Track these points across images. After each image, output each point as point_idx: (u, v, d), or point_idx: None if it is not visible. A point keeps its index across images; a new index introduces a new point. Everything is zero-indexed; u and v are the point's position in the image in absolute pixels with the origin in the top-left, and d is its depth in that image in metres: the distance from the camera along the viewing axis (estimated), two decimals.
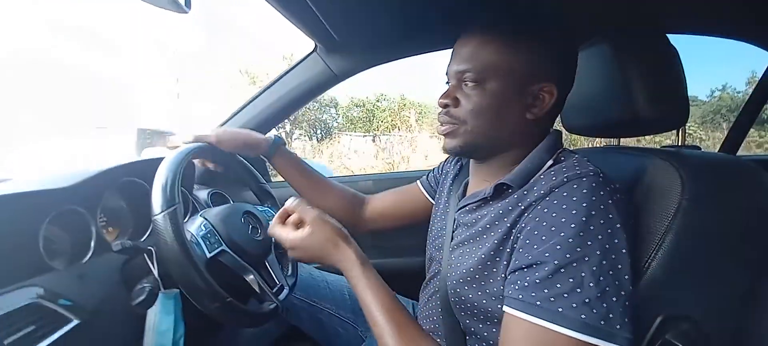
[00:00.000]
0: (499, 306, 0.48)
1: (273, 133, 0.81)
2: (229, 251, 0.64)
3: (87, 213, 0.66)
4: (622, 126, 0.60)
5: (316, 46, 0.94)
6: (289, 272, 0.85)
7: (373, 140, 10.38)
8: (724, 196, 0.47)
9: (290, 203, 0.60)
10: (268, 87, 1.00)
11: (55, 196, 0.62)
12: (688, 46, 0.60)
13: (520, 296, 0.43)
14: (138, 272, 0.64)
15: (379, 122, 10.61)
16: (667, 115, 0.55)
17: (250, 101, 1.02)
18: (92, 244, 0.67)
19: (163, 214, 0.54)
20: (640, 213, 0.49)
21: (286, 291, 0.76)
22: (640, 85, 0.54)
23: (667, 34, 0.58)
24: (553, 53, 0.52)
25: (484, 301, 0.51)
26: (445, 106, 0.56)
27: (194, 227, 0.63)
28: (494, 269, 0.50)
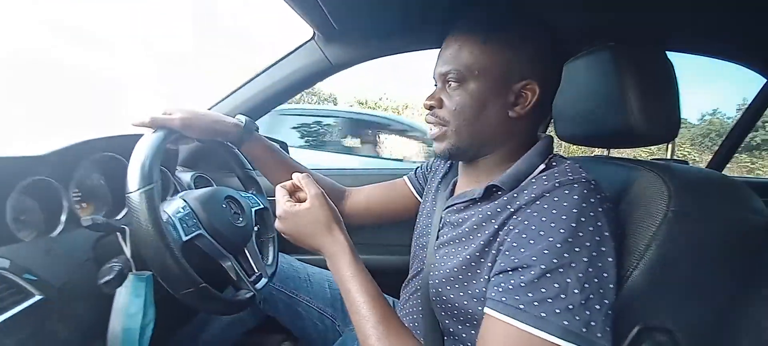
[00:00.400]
0: (480, 308, 0.47)
1: (243, 117, 0.76)
2: (207, 235, 0.62)
3: (59, 185, 0.64)
4: (614, 137, 0.60)
5: (314, 33, 0.92)
6: (269, 261, 0.83)
7: None
8: (710, 210, 0.47)
9: (297, 177, 0.58)
10: (262, 72, 0.98)
11: (26, 164, 0.59)
12: (680, 68, 0.60)
13: (504, 299, 0.42)
14: (110, 251, 0.61)
15: None
16: (660, 128, 0.55)
17: (242, 86, 0.99)
18: (63, 218, 0.65)
19: (138, 192, 0.52)
20: (626, 223, 0.48)
21: (264, 280, 0.74)
22: (636, 97, 0.53)
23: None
24: (534, 52, 0.52)
25: (466, 302, 0.50)
26: (430, 107, 0.56)
27: (172, 208, 0.61)
28: (478, 271, 0.49)
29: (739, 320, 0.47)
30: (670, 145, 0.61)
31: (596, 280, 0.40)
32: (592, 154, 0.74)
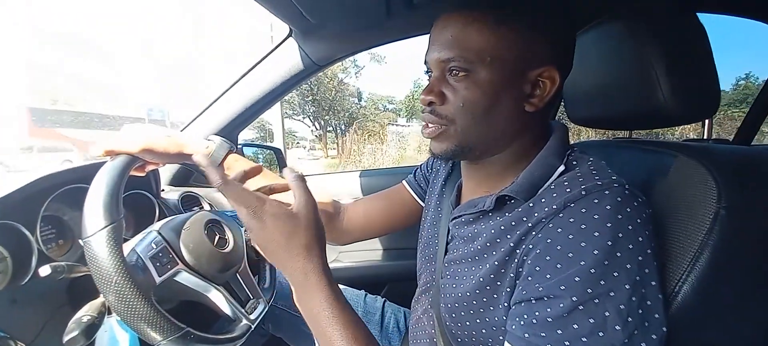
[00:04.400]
0: (501, 338, 0.41)
1: (218, 138, 0.67)
2: (186, 270, 0.56)
3: (24, 227, 0.58)
4: (640, 117, 0.52)
5: (290, 30, 0.83)
6: (267, 283, 0.77)
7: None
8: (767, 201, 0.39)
9: (290, 177, 0.46)
10: (239, 80, 0.91)
11: None
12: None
13: (526, 335, 0.35)
14: (88, 293, 0.56)
15: None
16: (696, 104, 0.47)
17: (219, 97, 0.92)
18: (33, 261, 0.59)
19: (95, 235, 0.45)
20: (664, 225, 0.40)
21: (261, 307, 0.68)
22: (664, 69, 0.45)
23: None
24: (552, 32, 0.43)
25: (484, 330, 0.43)
26: (429, 103, 0.46)
27: (143, 245, 0.54)
28: (494, 295, 0.42)
29: None
30: (706, 123, 0.52)
31: (640, 311, 0.33)
32: (613, 138, 0.65)
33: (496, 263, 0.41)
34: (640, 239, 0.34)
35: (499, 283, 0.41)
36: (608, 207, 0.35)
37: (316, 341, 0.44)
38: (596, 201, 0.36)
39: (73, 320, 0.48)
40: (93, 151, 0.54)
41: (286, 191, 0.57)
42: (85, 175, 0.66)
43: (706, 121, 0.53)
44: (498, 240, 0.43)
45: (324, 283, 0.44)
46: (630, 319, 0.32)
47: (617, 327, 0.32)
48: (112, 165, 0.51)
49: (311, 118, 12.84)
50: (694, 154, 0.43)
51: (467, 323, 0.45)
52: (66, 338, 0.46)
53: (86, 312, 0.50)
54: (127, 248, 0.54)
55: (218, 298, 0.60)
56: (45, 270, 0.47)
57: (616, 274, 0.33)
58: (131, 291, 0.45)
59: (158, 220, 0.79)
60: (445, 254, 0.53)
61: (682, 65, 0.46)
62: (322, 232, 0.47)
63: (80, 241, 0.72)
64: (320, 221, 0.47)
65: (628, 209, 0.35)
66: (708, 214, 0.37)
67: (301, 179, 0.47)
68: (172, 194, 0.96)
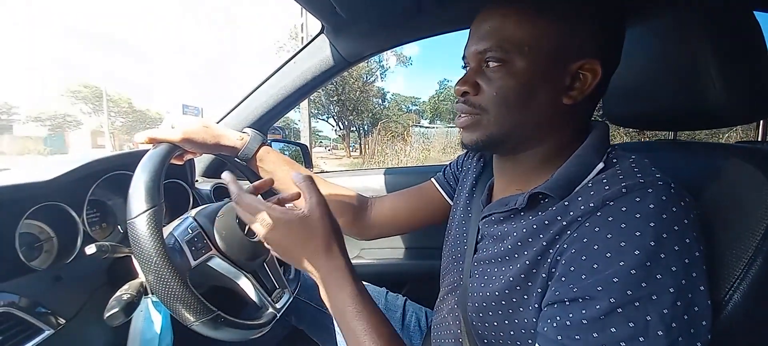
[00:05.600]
0: (530, 341, 0.39)
1: (251, 130, 0.69)
2: (218, 256, 0.57)
3: (71, 209, 0.62)
4: (690, 117, 0.49)
5: (323, 26, 0.85)
6: (291, 274, 0.78)
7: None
8: None
9: (298, 178, 0.49)
10: (272, 75, 0.93)
11: (34, 191, 0.57)
12: None
13: (559, 337, 0.34)
14: (126, 274, 0.59)
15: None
16: (748, 103, 0.44)
17: (253, 91, 0.95)
18: (79, 242, 0.63)
19: (138, 217, 0.47)
20: (715, 231, 0.38)
21: (286, 296, 0.70)
22: (719, 67, 0.42)
23: None
24: (596, 22, 0.41)
25: (512, 332, 0.42)
26: (463, 93, 0.46)
27: (180, 230, 0.56)
28: (525, 296, 0.40)
29: None
30: (761, 125, 0.48)
31: (686, 316, 0.31)
32: (655, 139, 0.62)
33: (527, 262, 0.40)
34: (687, 240, 0.32)
35: (530, 283, 0.40)
36: (651, 206, 0.33)
37: (340, 333, 0.45)
38: (638, 199, 0.34)
39: (114, 298, 0.51)
40: (137, 138, 0.57)
41: (297, 199, 0.58)
42: (128, 162, 0.70)
43: (761, 122, 0.49)
44: (529, 240, 0.41)
45: (348, 279, 0.45)
46: (674, 324, 0.30)
47: (660, 332, 0.30)
48: (154, 152, 0.54)
49: (335, 118, 13.06)
50: (748, 156, 0.41)
51: (495, 324, 0.44)
52: (107, 314, 0.49)
53: (126, 291, 0.53)
54: (165, 232, 0.56)
55: (247, 285, 0.62)
56: (91, 249, 0.50)
57: (659, 276, 0.31)
58: (169, 272, 0.47)
59: (193, 208, 0.83)
60: (474, 253, 0.52)
61: (738, 63, 0.44)
62: (337, 228, 0.48)
63: (119, 227, 0.76)
64: (333, 217, 0.48)
65: (674, 209, 0.33)
66: (762, 218, 0.35)
67: (309, 179, 0.49)
68: (205, 184, 1.00)
